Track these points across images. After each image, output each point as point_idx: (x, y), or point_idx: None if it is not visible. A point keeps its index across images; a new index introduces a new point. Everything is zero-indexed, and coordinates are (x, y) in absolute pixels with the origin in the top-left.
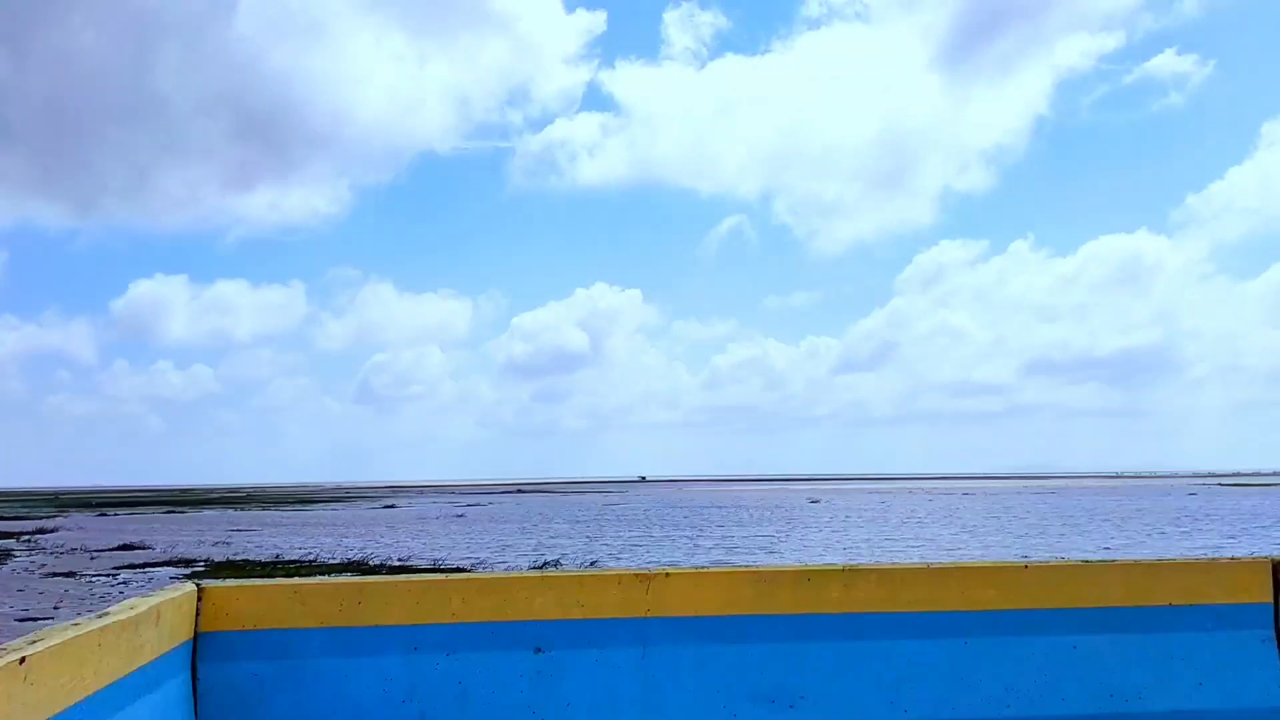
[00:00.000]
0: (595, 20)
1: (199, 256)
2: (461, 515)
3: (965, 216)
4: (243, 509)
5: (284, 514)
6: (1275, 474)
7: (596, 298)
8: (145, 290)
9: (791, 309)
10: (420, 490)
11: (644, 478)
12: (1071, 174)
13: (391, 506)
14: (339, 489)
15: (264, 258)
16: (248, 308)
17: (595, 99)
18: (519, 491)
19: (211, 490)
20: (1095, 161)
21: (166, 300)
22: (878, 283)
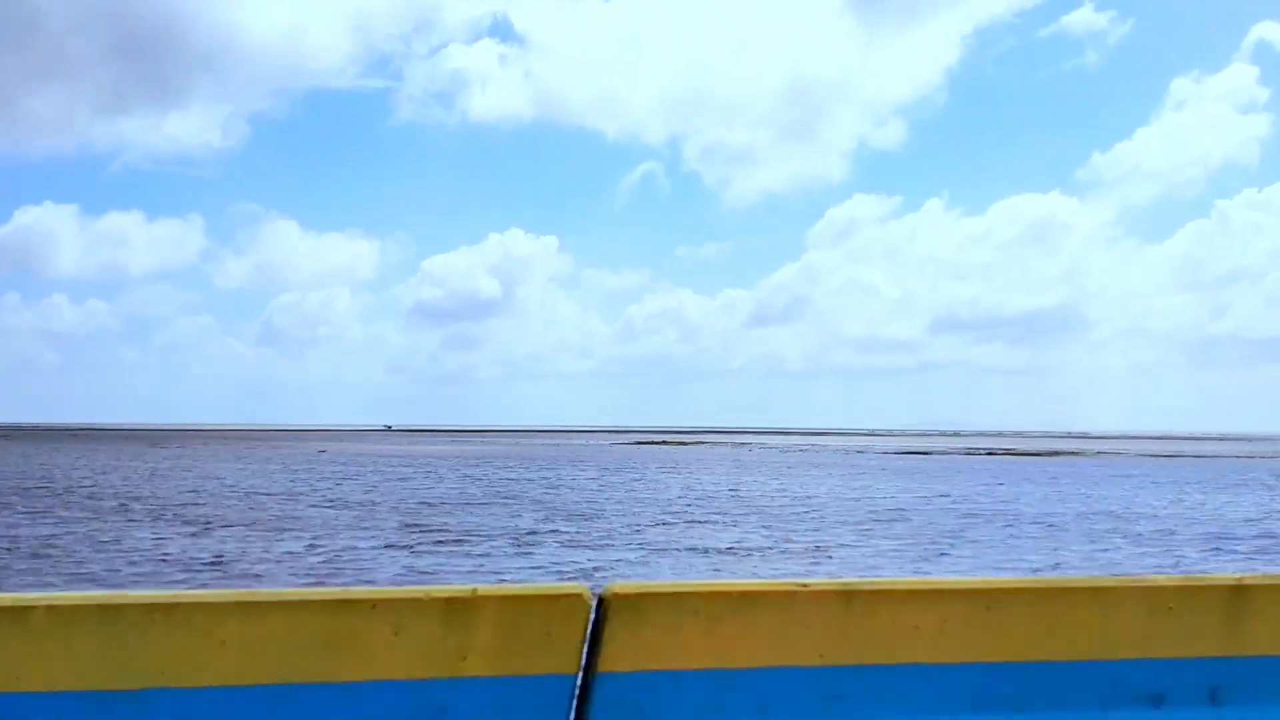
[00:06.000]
0: None
1: (85, 185)
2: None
3: (878, 172)
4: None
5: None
6: (1178, 438)
7: (510, 243)
8: (33, 219)
9: (703, 260)
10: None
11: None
12: (986, 131)
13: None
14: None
15: (159, 189)
16: (143, 241)
17: (498, 28)
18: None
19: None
20: (1010, 119)
21: (56, 231)
22: (790, 236)
